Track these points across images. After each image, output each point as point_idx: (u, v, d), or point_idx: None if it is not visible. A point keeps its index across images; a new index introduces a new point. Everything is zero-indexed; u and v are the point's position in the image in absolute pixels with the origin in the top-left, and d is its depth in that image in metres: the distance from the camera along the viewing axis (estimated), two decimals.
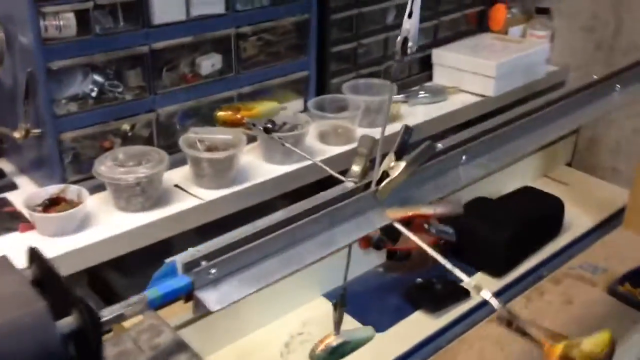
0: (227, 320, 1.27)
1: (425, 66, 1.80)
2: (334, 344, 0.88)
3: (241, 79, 1.37)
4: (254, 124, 0.97)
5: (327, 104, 1.48)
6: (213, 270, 0.64)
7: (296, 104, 1.50)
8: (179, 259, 0.63)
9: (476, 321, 1.33)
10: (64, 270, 1.10)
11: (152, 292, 0.61)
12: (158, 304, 0.61)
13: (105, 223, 1.14)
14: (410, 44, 0.72)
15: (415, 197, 0.82)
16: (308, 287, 1.40)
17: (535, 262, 1.49)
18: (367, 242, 1.41)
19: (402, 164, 0.77)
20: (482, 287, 0.70)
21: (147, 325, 0.68)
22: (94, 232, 1.12)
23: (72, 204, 1.12)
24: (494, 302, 0.68)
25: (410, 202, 0.82)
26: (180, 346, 0.65)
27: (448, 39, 1.83)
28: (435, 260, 1.59)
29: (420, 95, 1.65)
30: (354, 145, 1.43)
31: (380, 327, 1.33)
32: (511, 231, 1.45)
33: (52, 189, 1.13)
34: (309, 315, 1.37)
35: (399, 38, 0.72)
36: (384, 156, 0.80)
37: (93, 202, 1.18)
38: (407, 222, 0.78)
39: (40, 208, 1.10)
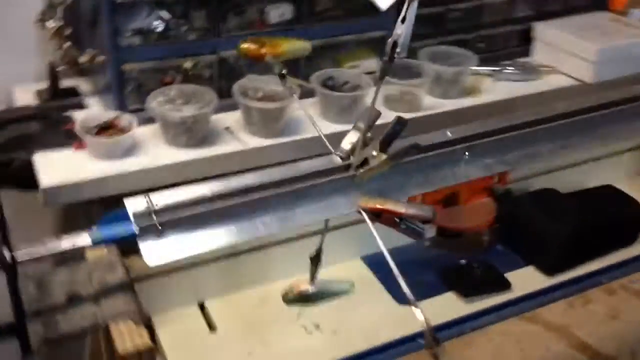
0: (257, 263, 1.30)
1: (525, 40, 1.69)
2: (309, 291, 0.89)
3: (311, 31, 1.36)
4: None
5: (398, 67, 1.43)
6: (160, 227, 0.66)
7: (370, 63, 1.47)
8: (132, 207, 0.66)
9: (507, 316, 1.27)
10: (108, 192, 1.18)
11: (96, 234, 0.64)
12: (99, 245, 0.64)
13: (151, 154, 1.20)
14: (398, 49, 0.69)
15: (400, 186, 0.80)
16: (346, 247, 1.40)
17: (596, 267, 1.38)
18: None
19: (383, 157, 0.74)
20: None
21: (106, 261, 0.71)
22: (139, 160, 1.19)
23: (122, 131, 1.19)
24: (426, 328, 0.66)
25: (395, 190, 0.79)
26: (124, 287, 0.68)
27: (557, 13, 1.69)
28: (489, 245, 1.52)
29: (507, 71, 1.55)
30: (418, 113, 1.39)
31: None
32: (571, 229, 1.35)
33: (107, 115, 1.21)
34: (340, 275, 1.37)
35: (389, 40, 0.70)
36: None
37: (145, 132, 1.24)
38: (378, 213, 0.76)
39: (94, 131, 1.18)
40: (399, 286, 1.33)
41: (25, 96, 1.34)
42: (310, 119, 0.85)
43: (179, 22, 1.25)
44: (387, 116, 1.35)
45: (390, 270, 1.38)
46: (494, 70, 1.56)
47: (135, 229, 0.64)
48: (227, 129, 1.29)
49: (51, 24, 1.26)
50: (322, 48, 1.40)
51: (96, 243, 0.63)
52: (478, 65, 1.53)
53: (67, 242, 0.62)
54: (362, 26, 1.43)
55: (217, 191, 0.70)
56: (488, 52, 1.64)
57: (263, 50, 0.91)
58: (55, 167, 1.14)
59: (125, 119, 1.20)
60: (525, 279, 1.35)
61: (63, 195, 1.10)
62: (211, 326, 1.25)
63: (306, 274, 1.36)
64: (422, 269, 1.40)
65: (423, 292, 1.31)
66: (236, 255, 1.27)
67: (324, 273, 1.38)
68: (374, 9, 1.43)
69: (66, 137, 1.18)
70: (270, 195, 0.72)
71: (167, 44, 1.25)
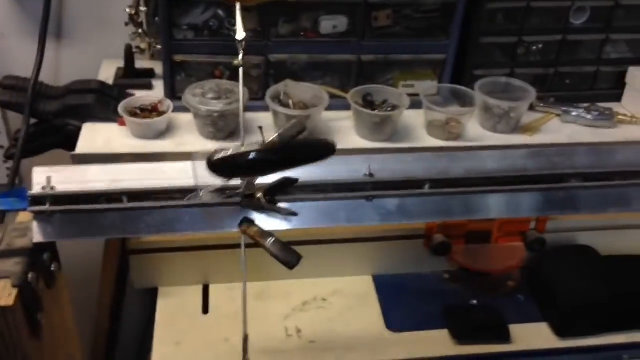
0: (261, 259, 1.36)
1: (620, 83, 1.55)
2: None
3: (364, 46, 1.37)
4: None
5: (448, 93, 1.40)
6: (49, 212, 0.75)
7: (426, 84, 1.44)
8: (33, 186, 0.76)
9: None
10: None
11: None
12: None
13: (180, 140, 1.30)
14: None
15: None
16: (359, 262, 1.41)
17: (618, 341, 1.26)
18: (428, 244, 1.37)
19: (262, 202, 0.78)
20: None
21: (24, 226, 0.81)
22: (167, 144, 1.29)
23: (160, 115, 1.30)
24: None
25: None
26: (21, 252, 0.76)
27: None
28: (511, 292, 1.44)
29: (576, 114, 1.44)
30: (454, 143, 1.36)
31: (398, 327, 1.30)
32: (591, 292, 1.25)
33: (151, 99, 1.33)
34: (344, 288, 1.39)
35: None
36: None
37: (184, 120, 1.34)
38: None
39: (137, 111, 1.31)
40: (395, 312, 1.33)
41: (108, 71, 1.51)
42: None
43: (232, 22, 1.33)
44: (427, 142, 1.37)
45: (393, 294, 1.37)
46: (563, 110, 1.46)
47: (26, 207, 0.74)
48: (260, 128, 1.34)
49: (128, 10, 1.41)
50: (376, 64, 1.41)
51: None
52: (540, 102, 1.45)
53: None
54: (421, 47, 1.41)
55: (114, 187, 0.78)
56: (573, 90, 1.54)
57: None
58: (94, 137, 1.29)
59: (166, 104, 1.32)
60: (533, 335, 1.28)
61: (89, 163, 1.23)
62: (205, 308, 1.33)
63: (308, 278, 1.40)
64: (431, 299, 1.37)
65: (420, 322, 1.31)
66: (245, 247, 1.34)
67: (330, 282, 1.41)
68: (437, 32, 1.42)
69: (114, 113, 1.32)
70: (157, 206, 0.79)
71: (219, 41, 1.34)
